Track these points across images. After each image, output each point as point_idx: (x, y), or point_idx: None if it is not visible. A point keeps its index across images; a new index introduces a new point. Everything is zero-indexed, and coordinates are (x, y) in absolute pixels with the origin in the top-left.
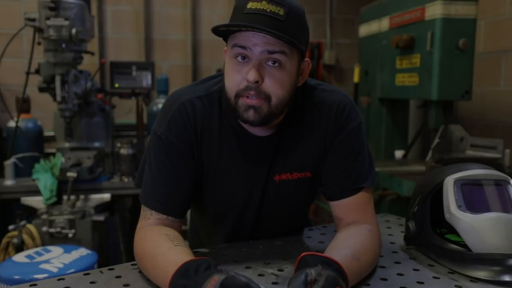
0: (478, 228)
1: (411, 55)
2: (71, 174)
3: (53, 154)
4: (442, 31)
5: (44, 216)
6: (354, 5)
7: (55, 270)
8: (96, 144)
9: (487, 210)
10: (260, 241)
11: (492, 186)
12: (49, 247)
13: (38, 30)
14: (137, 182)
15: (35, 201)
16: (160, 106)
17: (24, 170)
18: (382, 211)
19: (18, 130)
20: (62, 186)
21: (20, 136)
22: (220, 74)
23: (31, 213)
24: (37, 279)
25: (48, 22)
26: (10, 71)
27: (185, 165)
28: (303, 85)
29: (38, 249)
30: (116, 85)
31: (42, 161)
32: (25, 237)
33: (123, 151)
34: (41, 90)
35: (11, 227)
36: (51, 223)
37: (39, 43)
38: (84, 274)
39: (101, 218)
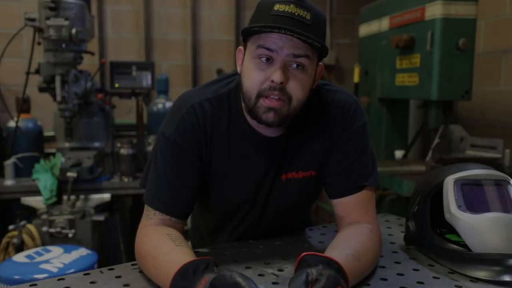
0: (478, 228)
1: (411, 55)
2: (71, 174)
3: (53, 154)
4: (442, 31)
5: (44, 216)
6: (354, 5)
7: (55, 270)
8: (96, 144)
9: (487, 210)
10: (260, 241)
11: (492, 186)
12: (49, 247)
13: (38, 30)
14: (142, 182)
15: (35, 201)
16: (160, 106)
17: (24, 170)
18: (382, 211)
19: (18, 130)
20: (62, 186)
21: (20, 136)
22: (228, 76)
23: (31, 213)
24: (37, 279)
25: (48, 22)
26: (10, 71)
27: (191, 168)
28: None
29: (38, 249)
30: (116, 85)
31: (42, 161)
32: (25, 237)
33: (123, 151)
34: (41, 90)
35: (11, 227)
36: (51, 223)
37: (39, 43)
38: (84, 274)
39: (101, 218)
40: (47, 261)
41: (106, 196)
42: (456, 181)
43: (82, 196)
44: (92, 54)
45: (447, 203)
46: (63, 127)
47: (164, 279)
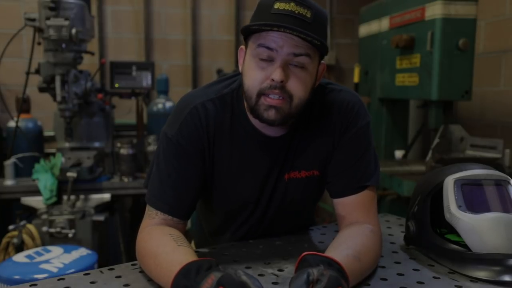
0: (478, 228)
1: (411, 55)
2: (71, 174)
3: (53, 154)
4: (442, 31)
5: (44, 216)
6: (354, 5)
7: (55, 270)
8: (96, 144)
9: (487, 210)
10: (260, 241)
11: (492, 186)
12: (49, 247)
13: (38, 30)
14: (146, 183)
15: (35, 201)
16: (160, 106)
17: (24, 170)
18: (382, 211)
19: (18, 130)
20: (62, 186)
21: (20, 136)
22: (230, 76)
23: (31, 213)
24: (37, 279)
25: (48, 22)
26: (10, 71)
27: (194, 168)
28: None
29: (38, 249)
30: (116, 85)
31: (42, 161)
32: (25, 237)
33: (123, 151)
34: (41, 90)
35: (11, 227)
36: (51, 223)
37: (39, 43)
38: (84, 274)
39: (101, 218)
40: (47, 261)
41: (106, 196)
42: (456, 181)
43: (82, 196)
44: (92, 54)
45: (447, 203)
46: (63, 127)
47: (165, 278)
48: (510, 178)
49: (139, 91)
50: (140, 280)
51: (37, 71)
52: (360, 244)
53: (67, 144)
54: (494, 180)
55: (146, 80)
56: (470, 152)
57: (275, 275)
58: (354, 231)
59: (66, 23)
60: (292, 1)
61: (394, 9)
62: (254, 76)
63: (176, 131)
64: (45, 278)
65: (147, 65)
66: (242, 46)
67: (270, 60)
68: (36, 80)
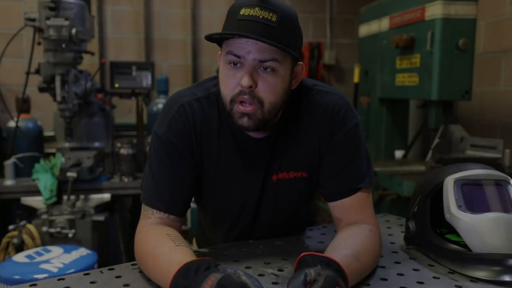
0: (478, 228)
1: (411, 55)
2: (71, 174)
3: (53, 154)
4: (442, 31)
5: (44, 216)
6: (354, 5)
7: (55, 270)
8: (96, 144)
9: (487, 210)
10: (260, 241)
11: (492, 186)
12: (49, 247)
13: (38, 30)
14: (142, 185)
15: (35, 201)
16: (160, 106)
17: (24, 170)
18: (382, 211)
19: (18, 130)
20: (62, 186)
21: (20, 136)
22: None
23: (31, 213)
24: (37, 279)
25: (48, 22)
26: (10, 71)
27: (186, 165)
28: (299, 86)
29: (38, 249)
30: (116, 85)
31: (42, 161)
32: (25, 237)
33: (123, 151)
34: (41, 90)
35: (11, 227)
36: (51, 223)
37: (39, 43)
38: (84, 274)
39: (101, 218)
40: (47, 261)
41: (106, 196)
42: (456, 181)
43: (82, 196)
44: (92, 54)
45: (447, 203)
46: (63, 127)
47: (164, 279)
48: (510, 178)
49: (139, 91)
50: (140, 280)
51: (37, 71)
52: (359, 243)
53: (67, 144)
54: (494, 180)
55: (146, 80)
56: (470, 152)
57: (275, 275)
58: (353, 231)
59: (66, 23)
60: (257, 5)
61: (394, 9)
62: (226, 83)
63: (166, 129)
64: (45, 278)
65: (147, 65)
66: (220, 52)
67: (239, 66)
68: (36, 80)
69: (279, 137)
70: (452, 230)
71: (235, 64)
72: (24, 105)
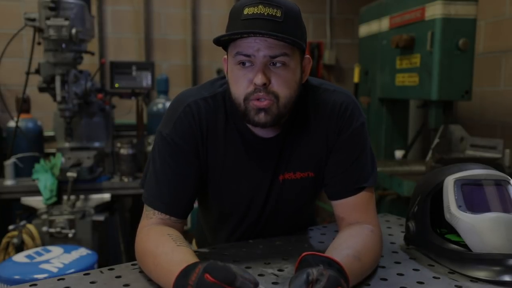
0: (478, 228)
1: (411, 55)
2: (71, 174)
3: (53, 154)
4: (442, 31)
5: (44, 216)
6: (354, 5)
7: (55, 270)
8: (96, 144)
9: (487, 210)
10: (260, 241)
11: (492, 186)
12: (49, 247)
13: (38, 30)
14: (142, 182)
15: (35, 201)
16: (160, 106)
17: (24, 170)
18: (382, 211)
19: (18, 130)
20: (62, 186)
21: (20, 136)
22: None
23: (31, 213)
24: (37, 279)
25: (48, 22)
26: (10, 71)
27: (189, 166)
28: (306, 85)
29: (38, 249)
30: (116, 85)
31: (42, 161)
32: (25, 237)
33: (123, 151)
34: (41, 90)
35: (11, 227)
36: (51, 223)
37: (39, 43)
38: (84, 274)
39: (101, 218)
40: (47, 261)
41: (106, 196)
42: (456, 181)
43: (82, 196)
44: (92, 54)
45: (447, 203)
46: (63, 127)
47: (165, 278)
48: (510, 178)
49: (139, 91)
50: (140, 280)
51: (37, 71)
52: (360, 244)
53: (67, 144)
54: (494, 180)
55: (146, 80)
56: (470, 152)
57: (275, 275)
58: (354, 231)
59: (66, 23)
60: (260, 3)
61: (394, 9)
62: (238, 83)
63: (171, 130)
64: (45, 278)
65: (147, 65)
66: (225, 56)
67: (250, 65)
68: (36, 80)
69: (287, 136)
70: (452, 230)
71: (244, 63)
72: (24, 105)
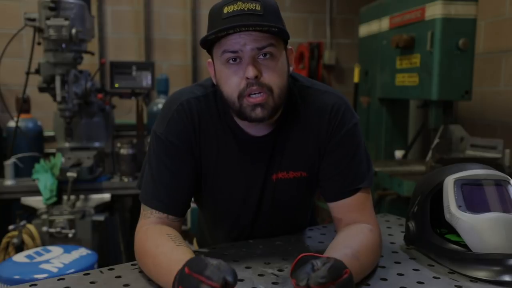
0: (478, 228)
1: (411, 55)
2: (71, 174)
3: (53, 154)
4: (442, 31)
5: (44, 216)
6: (354, 5)
7: (55, 270)
8: (96, 144)
9: (487, 210)
10: (260, 241)
11: (492, 186)
12: (49, 247)
13: (38, 30)
14: (139, 183)
15: (35, 201)
16: (160, 106)
17: (24, 170)
18: (382, 211)
19: (18, 130)
20: (62, 186)
21: (20, 136)
22: None
23: (31, 213)
24: (37, 279)
25: (48, 22)
26: (10, 71)
27: (185, 164)
28: (297, 85)
29: (38, 249)
30: (116, 85)
31: (42, 161)
32: (25, 237)
33: (123, 151)
34: (41, 90)
35: (11, 227)
36: (51, 223)
37: (39, 43)
38: (84, 274)
39: (101, 218)
40: (47, 261)
41: (106, 196)
42: (456, 181)
43: (82, 196)
44: (92, 54)
45: (447, 203)
46: (63, 127)
47: (165, 278)
48: (510, 178)
49: (139, 91)
50: (140, 280)
51: (37, 71)
52: (359, 243)
53: (67, 144)
54: (494, 180)
55: (146, 80)
56: (470, 152)
57: (275, 275)
58: (353, 231)
59: (66, 23)
60: (238, 0)
61: (394, 9)
62: (230, 81)
63: (165, 129)
64: (45, 278)
65: (147, 65)
66: (209, 60)
67: (238, 62)
68: (36, 80)
69: (279, 136)
70: (452, 230)
71: (234, 60)
72: (24, 105)
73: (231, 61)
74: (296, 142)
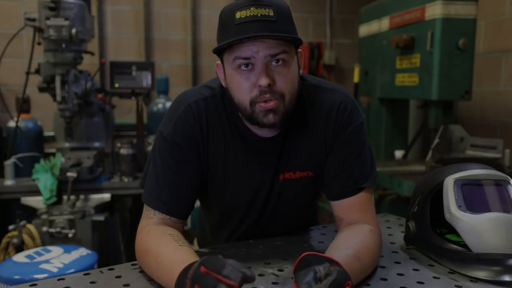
0: (478, 228)
1: (411, 55)
2: (71, 174)
3: (53, 154)
4: (442, 31)
5: (44, 216)
6: (354, 5)
7: (55, 270)
8: (96, 144)
9: (487, 210)
10: (260, 241)
11: (492, 186)
12: (49, 247)
13: (38, 30)
14: (141, 183)
15: (35, 201)
16: (160, 106)
17: (24, 170)
18: (382, 211)
19: (18, 130)
20: (62, 186)
21: (20, 136)
22: None
23: (31, 213)
24: (37, 279)
25: (48, 22)
26: (10, 71)
27: (190, 167)
28: (305, 84)
29: (38, 249)
30: (116, 85)
31: (42, 161)
32: (25, 237)
33: (123, 151)
34: (41, 90)
35: (11, 227)
36: (51, 223)
37: (39, 43)
38: (84, 274)
39: (101, 218)
40: (47, 261)
41: (106, 196)
42: (456, 181)
43: (82, 196)
44: (92, 54)
45: (447, 203)
46: (63, 127)
47: (167, 277)
48: (510, 178)
49: (139, 91)
50: (140, 280)
51: (37, 71)
52: (360, 243)
53: (67, 144)
54: (494, 180)
55: (146, 80)
56: (470, 152)
57: (275, 275)
58: (354, 231)
59: (66, 23)
60: (251, 5)
61: (394, 9)
62: (241, 88)
63: (171, 130)
64: (45, 278)
65: (147, 65)
66: (218, 62)
67: (251, 68)
68: (36, 80)
69: (287, 136)
70: (452, 230)
71: (246, 66)
72: (24, 105)
73: (243, 67)
74: (303, 142)
